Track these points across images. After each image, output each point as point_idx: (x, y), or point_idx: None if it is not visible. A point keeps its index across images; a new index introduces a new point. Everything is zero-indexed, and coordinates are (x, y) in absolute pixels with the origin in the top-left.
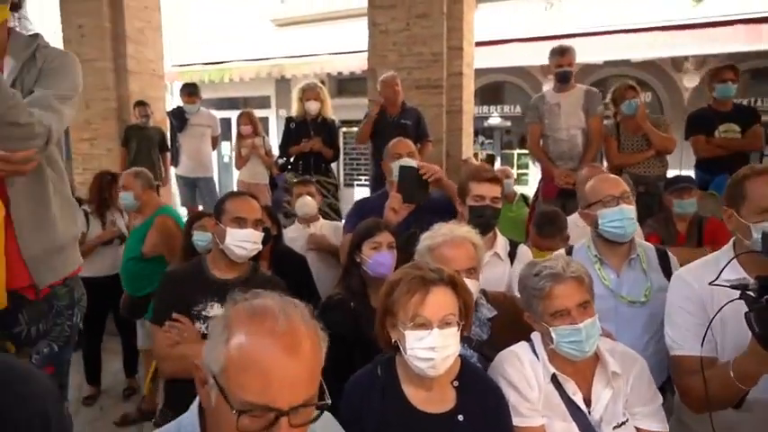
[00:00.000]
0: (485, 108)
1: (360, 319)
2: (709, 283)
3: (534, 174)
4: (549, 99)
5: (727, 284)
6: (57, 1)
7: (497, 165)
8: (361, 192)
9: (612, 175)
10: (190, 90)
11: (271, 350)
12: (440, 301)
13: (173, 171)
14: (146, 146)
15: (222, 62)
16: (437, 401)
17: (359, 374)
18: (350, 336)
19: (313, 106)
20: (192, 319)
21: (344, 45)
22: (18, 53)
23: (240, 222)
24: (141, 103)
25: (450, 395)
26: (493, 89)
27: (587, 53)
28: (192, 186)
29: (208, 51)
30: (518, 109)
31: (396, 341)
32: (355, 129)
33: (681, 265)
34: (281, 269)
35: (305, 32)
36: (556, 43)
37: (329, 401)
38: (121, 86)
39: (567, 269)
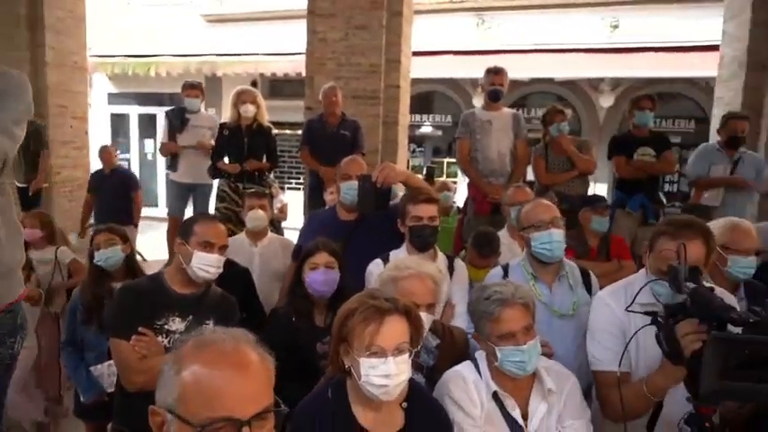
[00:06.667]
0: (417, 117)
1: (299, 334)
2: (626, 309)
3: (463, 183)
4: (481, 116)
5: (641, 311)
6: None
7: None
8: (293, 197)
9: (545, 202)
10: (193, 84)
11: (222, 368)
12: (394, 329)
13: (165, 176)
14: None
15: (148, 55)
16: (386, 423)
17: (309, 398)
18: (287, 349)
19: (249, 109)
20: (154, 332)
21: (279, 46)
22: None
23: (208, 247)
24: None
25: (399, 416)
26: (425, 99)
27: (514, 70)
28: (185, 194)
29: (132, 43)
30: (449, 119)
31: (349, 367)
32: (287, 131)
33: (595, 276)
34: (225, 280)
35: (238, 30)
36: (486, 58)
37: (286, 409)
38: (39, 79)
39: (515, 295)
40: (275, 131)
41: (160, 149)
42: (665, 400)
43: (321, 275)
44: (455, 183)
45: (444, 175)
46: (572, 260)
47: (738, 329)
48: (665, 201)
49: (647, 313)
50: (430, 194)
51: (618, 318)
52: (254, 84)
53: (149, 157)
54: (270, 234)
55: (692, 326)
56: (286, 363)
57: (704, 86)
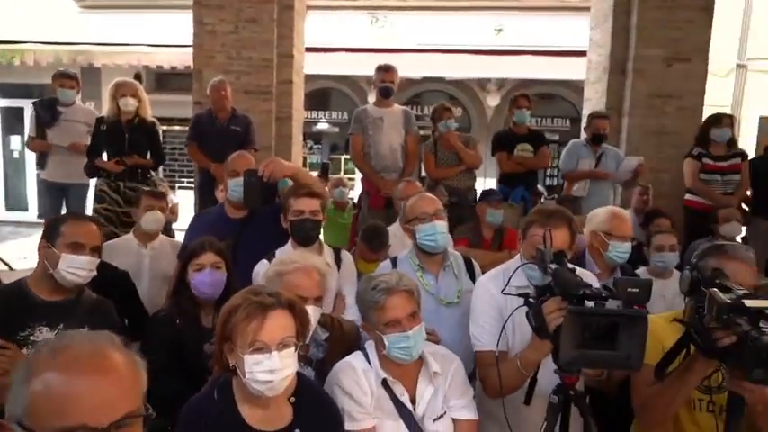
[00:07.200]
0: (313, 113)
1: (184, 336)
2: (501, 292)
3: (360, 178)
4: (372, 113)
5: (515, 294)
6: None
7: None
8: (184, 196)
9: (429, 195)
10: (67, 74)
11: (76, 373)
12: (278, 324)
13: (36, 177)
14: None
15: (12, 42)
16: (274, 419)
17: (195, 399)
18: (172, 352)
19: (130, 102)
20: (18, 345)
21: (165, 37)
22: None
23: (77, 248)
24: None
25: (287, 412)
26: (321, 95)
27: (407, 68)
28: (58, 194)
29: None
30: (345, 116)
31: (234, 365)
32: (176, 127)
33: (485, 265)
34: (102, 285)
35: (118, 19)
36: (380, 56)
37: (153, 413)
38: None
39: (399, 283)
40: (163, 127)
41: (27, 144)
42: (539, 375)
43: (207, 277)
44: (352, 179)
45: (342, 172)
46: (460, 249)
47: (593, 304)
48: (545, 193)
49: (520, 295)
50: (311, 188)
51: (496, 300)
52: (137, 76)
53: (16, 155)
54: (160, 236)
55: (555, 303)
56: (172, 365)
57: (577, 88)
